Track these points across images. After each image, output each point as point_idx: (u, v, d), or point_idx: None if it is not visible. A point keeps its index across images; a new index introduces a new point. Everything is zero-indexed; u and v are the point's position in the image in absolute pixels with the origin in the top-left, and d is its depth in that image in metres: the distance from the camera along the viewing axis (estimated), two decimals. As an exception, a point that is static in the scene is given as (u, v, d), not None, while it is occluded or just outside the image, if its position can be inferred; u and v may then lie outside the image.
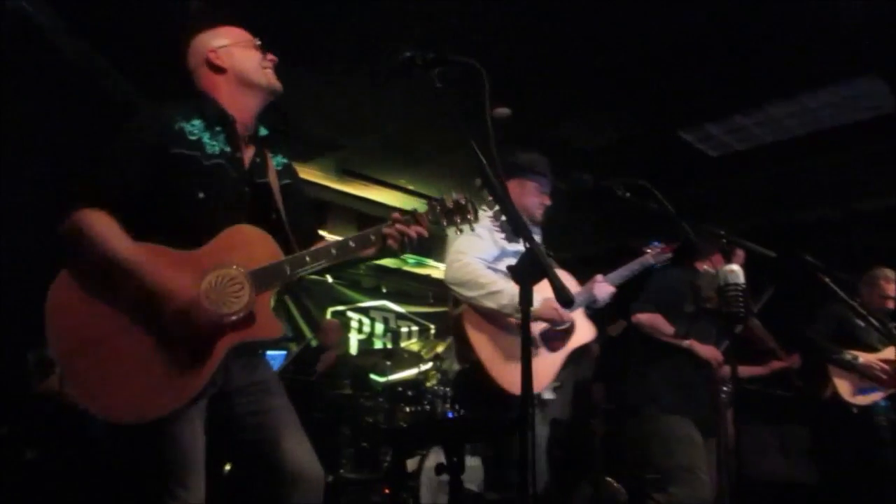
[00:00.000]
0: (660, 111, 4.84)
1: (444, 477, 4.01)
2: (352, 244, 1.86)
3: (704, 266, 2.84)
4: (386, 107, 4.86)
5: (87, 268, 1.66)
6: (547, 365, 2.80)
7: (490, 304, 2.61)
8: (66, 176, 1.80)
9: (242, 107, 1.92)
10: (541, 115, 4.90)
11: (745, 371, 3.60)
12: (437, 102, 1.65)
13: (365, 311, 7.92)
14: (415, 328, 8.38)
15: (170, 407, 1.63)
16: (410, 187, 6.48)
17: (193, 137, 1.82)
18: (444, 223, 1.92)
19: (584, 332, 2.92)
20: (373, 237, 1.87)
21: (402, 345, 7.79)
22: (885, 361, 3.88)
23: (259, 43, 1.97)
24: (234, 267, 1.71)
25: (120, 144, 1.78)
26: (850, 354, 3.91)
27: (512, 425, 2.49)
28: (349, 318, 7.70)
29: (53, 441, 2.76)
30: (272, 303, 1.78)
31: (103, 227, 1.66)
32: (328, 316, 7.35)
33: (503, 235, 2.48)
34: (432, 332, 8.40)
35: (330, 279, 7.40)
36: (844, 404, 3.92)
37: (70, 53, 3.88)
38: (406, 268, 8.20)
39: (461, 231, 1.94)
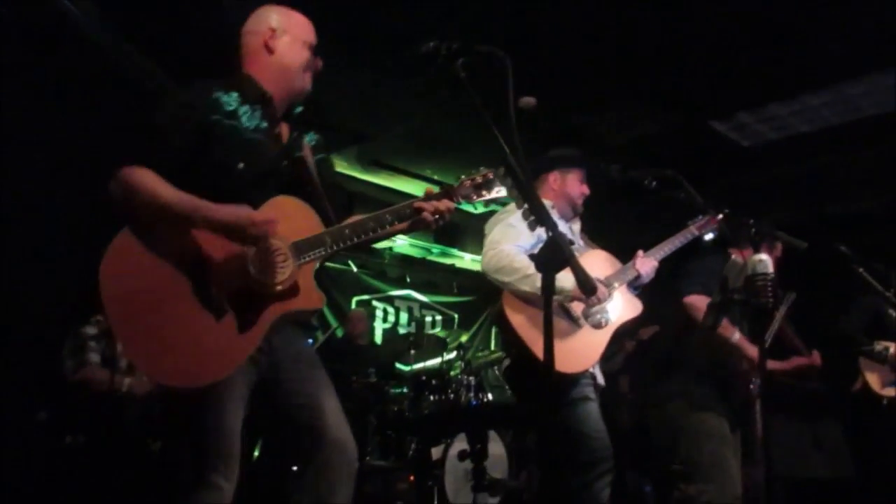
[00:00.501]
0: (692, 101, 4.77)
1: (469, 465, 4.09)
2: (388, 217, 1.89)
3: (733, 256, 2.81)
4: (412, 97, 4.86)
5: (138, 232, 1.70)
6: (594, 343, 2.79)
7: (526, 287, 2.62)
8: (112, 142, 1.83)
9: (278, 90, 1.95)
10: (570, 108, 4.86)
11: (770, 365, 3.53)
12: (462, 92, 1.65)
13: (390, 301, 7.96)
14: (439, 317, 8.40)
15: (221, 373, 1.68)
16: (436, 177, 6.47)
17: (230, 108, 1.85)
18: (475, 197, 1.93)
19: (630, 308, 2.91)
20: (407, 210, 1.90)
21: (427, 334, 7.81)
22: None
23: (314, 44, 1.99)
24: (279, 237, 1.75)
25: (164, 111, 1.81)
26: (880, 346, 3.84)
27: (537, 411, 2.50)
28: (374, 308, 7.74)
29: (92, 427, 2.83)
30: (314, 274, 1.82)
31: (151, 178, 1.70)
32: (353, 306, 7.40)
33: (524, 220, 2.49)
34: (456, 321, 8.41)
35: (355, 268, 7.44)
36: (875, 396, 3.85)
37: (104, 44, 3.94)
38: (431, 258, 8.22)
39: (489, 204, 1.96)
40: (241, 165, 1.80)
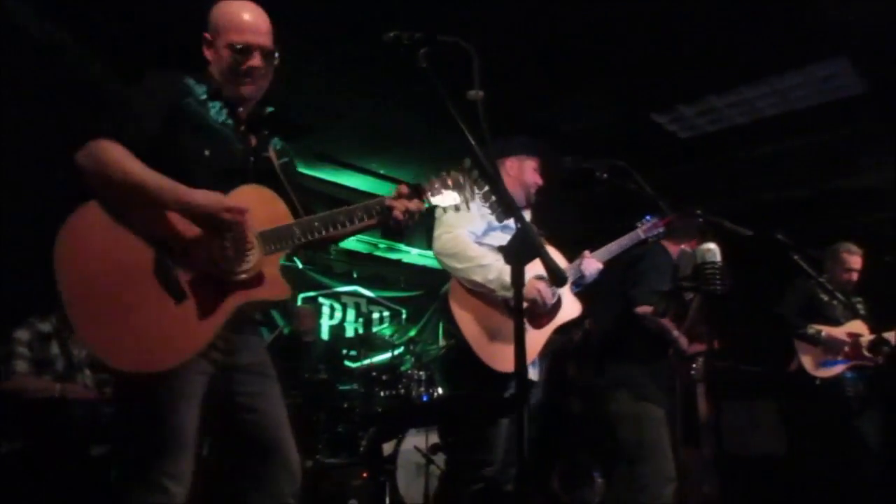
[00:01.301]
0: (634, 94, 4.86)
1: (421, 459, 4.07)
2: (358, 212, 1.87)
3: (683, 246, 2.89)
4: (358, 90, 4.79)
5: (98, 210, 1.63)
6: (531, 342, 2.81)
7: (477, 277, 2.62)
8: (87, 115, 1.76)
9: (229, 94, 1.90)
10: (518, 100, 4.88)
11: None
12: (424, 83, 1.63)
13: (337, 297, 7.86)
14: (386, 313, 8.35)
15: (175, 359, 1.62)
16: (381, 171, 6.42)
17: (202, 97, 1.83)
18: (445, 199, 1.90)
19: (570, 308, 2.93)
20: (378, 207, 1.88)
21: (374, 330, 7.76)
22: (848, 335, 4.00)
23: (239, 44, 1.85)
24: (244, 226, 1.72)
25: (137, 91, 1.78)
26: (813, 329, 4.01)
27: (509, 404, 2.50)
28: (321, 304, 7.63)
29: (31, 434, 2.69)
30: (279, 265, 1.79)
31: (123, 154, 1.64)
32: (300, 302, 7.27)
33: (490, 212, 2.48)
34: (404, 316, 8.38)
35: (300, 264, 7.32)
36: (809, 377, 4.03)
37: (37, 34, 3.74)
38: (377, 253, 8.15)
39: (458, 209, 1.93)
40: (206, 153, 1.76)
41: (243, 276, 1.70)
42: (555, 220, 3.33)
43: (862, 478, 3.79)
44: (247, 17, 1.87)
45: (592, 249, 3.02)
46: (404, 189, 1.91)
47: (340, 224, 1.84)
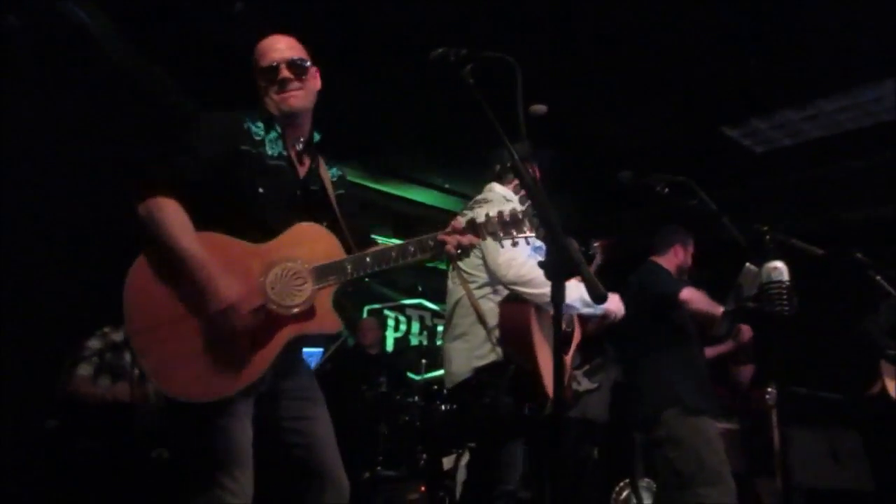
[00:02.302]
0: (703, 107, 4.74)
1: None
2: (411, 248, 1.89)
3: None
4: (420, 105, 4.86)
5: (159, 252, 1.77)
6: (568, 366, 2.78)
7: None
8: (144, 160, 1.91)
9: (281, 121, 1.99)
10: (582, 115, 4.84)
11: (710, 352, 3.56)
12: (471, 99, 1.64)
13: (401, 310, 7.94)
14: (452, 327, 8.36)
15: (230, 389, 1.72)
16: (446, 186, 6.47)
17: (258, 137, 1.93)
18: (502, 235, 1.88)
19: (577, 335, 2.94)
20: (431, 243, 1.89)
21: (438, 343, 7.78)
22: None
23: (264, 66, 1.97)
24: (299, 261, 1.80)
25: (195, 136, 1.88)
26: None
27: (546, 424, 2.46)
28: (386, 317, 7.72)
29: (99, 435, 2.85)
30: (331, 299, 1.84)
31: (171, 215, 1.77)
32: (364, 314, 7.39)
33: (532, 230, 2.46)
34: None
35: (366, 278, 7.43)
36: (891, 402, 3.78)
37: (117, 56, 3.98)
38: (442, 266, 8.17)
39: (516, 244, 1.91)
40: (261, 190, 1.87)
41: (295, 310, 1.77)
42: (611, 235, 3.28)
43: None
44: (267, 41, 2.01)
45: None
46: (459, 223, 1.90)
47: (393, 261, 1.88)
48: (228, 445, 1.75)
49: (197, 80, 4.36)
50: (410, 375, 6.30)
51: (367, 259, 1.87)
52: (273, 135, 1.96)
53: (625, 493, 4.92)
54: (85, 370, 3.29)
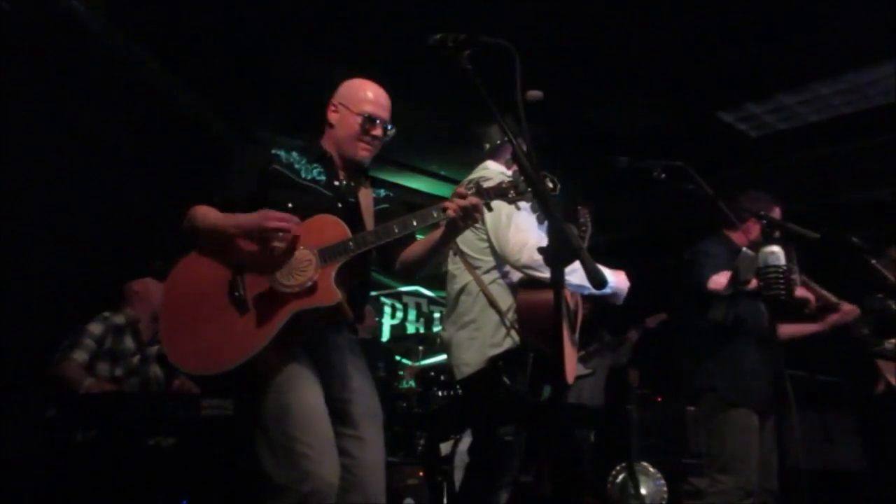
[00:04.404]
0: (699, 92, 4.73)
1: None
2: (414, 222, 1.93)
3: (743, 248, 2.77)
4: (415, 92, 4.83)
5: (200, 252, 1.98)
6: (574, 351, 2.76)
7: (575, 280, 2.44)
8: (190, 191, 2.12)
9: (336, 155, 2.19)
10: (577, 100, 4.83)
11: (801, 330, 3.47)
12: (469, 85, 1.63)
13: (397, 297, 7.94)
14: (448, 313, 8.38)
15: (235, 360, 1.82)
16: (442, 172, 6.45)
17: (289, 161, 2.11)
18: (512, 195, 1.88)
19: (580, 313, 2.89)
20: (434, 213, 1.92)
21: (435, 330, 7.80)
22: None
23: (370, 114, 2.14)
24: (306, 248, 1.91)
25: (234, 167, 2.13)
26: (891, 343, 3.80)
27: (545, 408, 2.46)
28: (382, 304, 7.73)
29: (96, 424, 2.84)
30: (334, 274, 1.89)
31: (207, 209, 1.98)
32: (361, 301, 7.38)
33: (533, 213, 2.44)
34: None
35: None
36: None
37: (120, 54, 3.95)
38: (440, 251, 8.19)
39: (518, 207, 1.91)
40: (290, 205, 1.97)
41: (297, 288, 1.85)
42: (612, 221, 3.27)
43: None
44: (381, 95, 2.21)
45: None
46: (461, 189, 1.91)
47: (395, 234, 1.92)
48: (298, 410, 1.84)
49: (189, 67, 4.33)
50: (407, 362, 6.32)
51: (370, 235, 1.94)
52: (306, 163, 2.13)
53: (621, 477, 4.97)
54: (80, 355, 3.27)
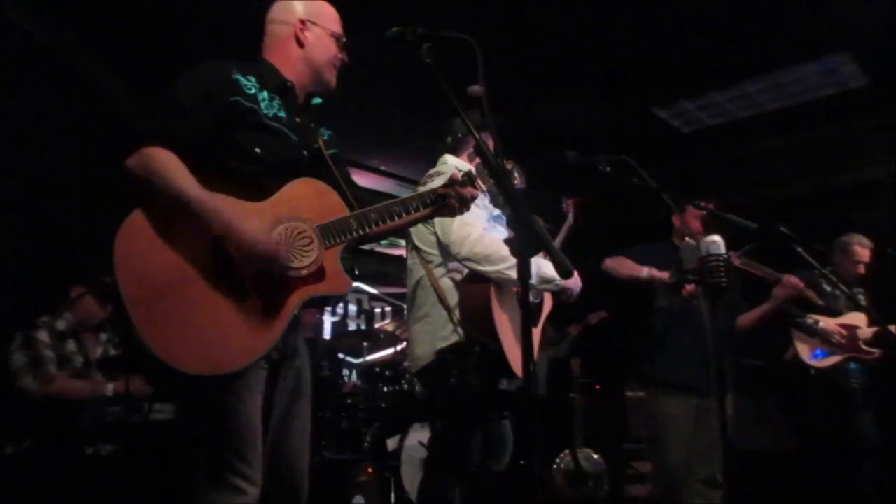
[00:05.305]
0: (637, 90, 4.87)
1: (425, 455, 4.08)
2: (413, 203, 1.84)
3: (686, 238, 2.89)
4: (356, 87, 4.78)
5: (155, 211, 1.59)
6: (536, 342, 2.80)
7: (514, 275, 2.46)
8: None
9: (301, 82, 1.90)
10: (517, 97, 4.88)
11: (760, 313, 3.64)
12: (428, 78, 1.62)
13: (339, 293, 7.84)
14: (388, 309, 8.35)
15: (247, 358, 1.59)
16: (383, 168, 6.41)
17: (250, 92, 1.76)
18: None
19: (549, 302, 2.95)
20: (432, 197, 1.87)
21: (377, 326, 7.75)
22: (844, 327, 3.98)
23: (342, 38, 1.94)
24: (302, 220, 1.69)
25: (182, 88, 1.70)
26: (812, 319, 3.97)
27: (513, 400, 2.48)
28: (323, 301, 7.62)
29: (38, 434, 2.69)
30: (339, 258, 1.76)
31: (172, 163, 1.60)
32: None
33: (489, 199, 2.45)
34: (405, 312, 8.36)
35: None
36: (805, 367, 4.01)
37: (57, 49, 3.75)
38: (379, 249, 8.15)
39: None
40: (258, 150, 1.72)
41: (304, 271, 1.66)
42: (557, 215, 3.34)
43: (863, 473, 3.78)
44: (333, 9, 1.95)
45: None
46: (457, 176, 1.88)
47: (396, 215, 1.82)
48: (240, 425, 1.60)
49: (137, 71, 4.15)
50: (350, 359, 6.26)
51: (372, 215, 1.78)
52: (266, 94, 1.81)
53: (565, 463, 5.08)
54: (52, 368, 3.14)
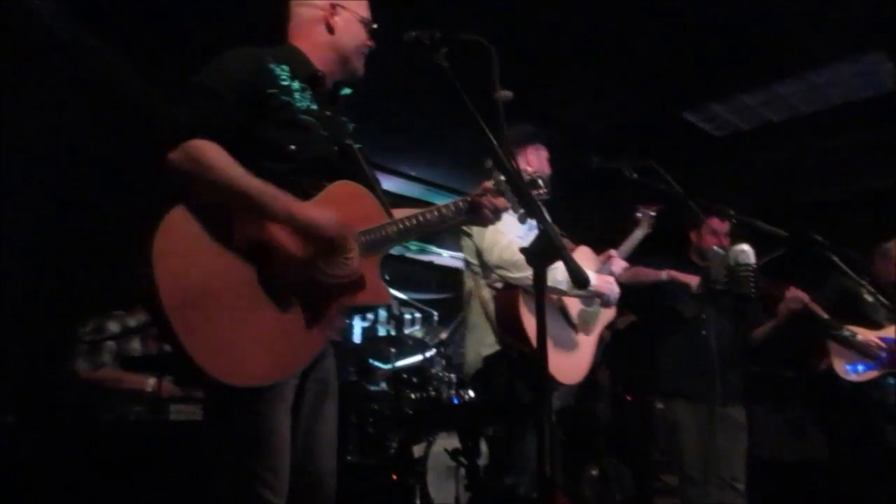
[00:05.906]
0: (666, 92, 4.79)
1: (451, 462, 4.06)
2: (447, 212, 1.82)
3: (714, 246, 2.82)
4: (384, 90, 4.80)
5: (194, 209, 1.50)
6: (589, 349, 2.80)
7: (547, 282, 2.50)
8: (167, 105, 1.70)
9: (330, 70, 1.84)
10: (543, 99, 4.84)
11: (769, 327, 3.57)
12: (444, 83, 1.61)
13: (367, 298, 7.86)
14: (418, 315, 8.33)
15: (292, 370, 1.56)
16: (412, 173, 6.43)
17: (284, 83, 1.69)
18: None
19: (609, 311, 2.92)
20: (464, 205, 1.84)
21: (406, 332, 7.74)
22: (883, 339, 3.84)
23: (371, 23, 1.88)
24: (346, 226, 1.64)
25: (215, 77, 1.62)
26: (849, 331, 3.84)
27: (530, 409, 2.47)
28: (352, 306, 7.64)
29: (61, 428, 2.75)
30: (379, 267, 1.73)
31: (222, 155, 1.53)
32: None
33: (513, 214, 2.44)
34: (436, 318, 8.35)
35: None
36: (839, 379, 3.88)
37: (65, 36, 3.83)
38: (409, 254, 8.16)
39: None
40: (292, 147, 1.64)
41: (346, 280, 1.62)
42: (580, 220, 3.30)
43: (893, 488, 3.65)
44: None
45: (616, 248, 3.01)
46: (489, 185, 1.85)
47: (434, 224, 1.79)
48: (271, 436, 1.55)
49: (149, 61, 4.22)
50: (378, 364, 6.27)
51: (409, 223, 1.75)
52: (299, 84, 1.73)
53: (593, 475, 5.00)
54: (108, 357, 3.25)
